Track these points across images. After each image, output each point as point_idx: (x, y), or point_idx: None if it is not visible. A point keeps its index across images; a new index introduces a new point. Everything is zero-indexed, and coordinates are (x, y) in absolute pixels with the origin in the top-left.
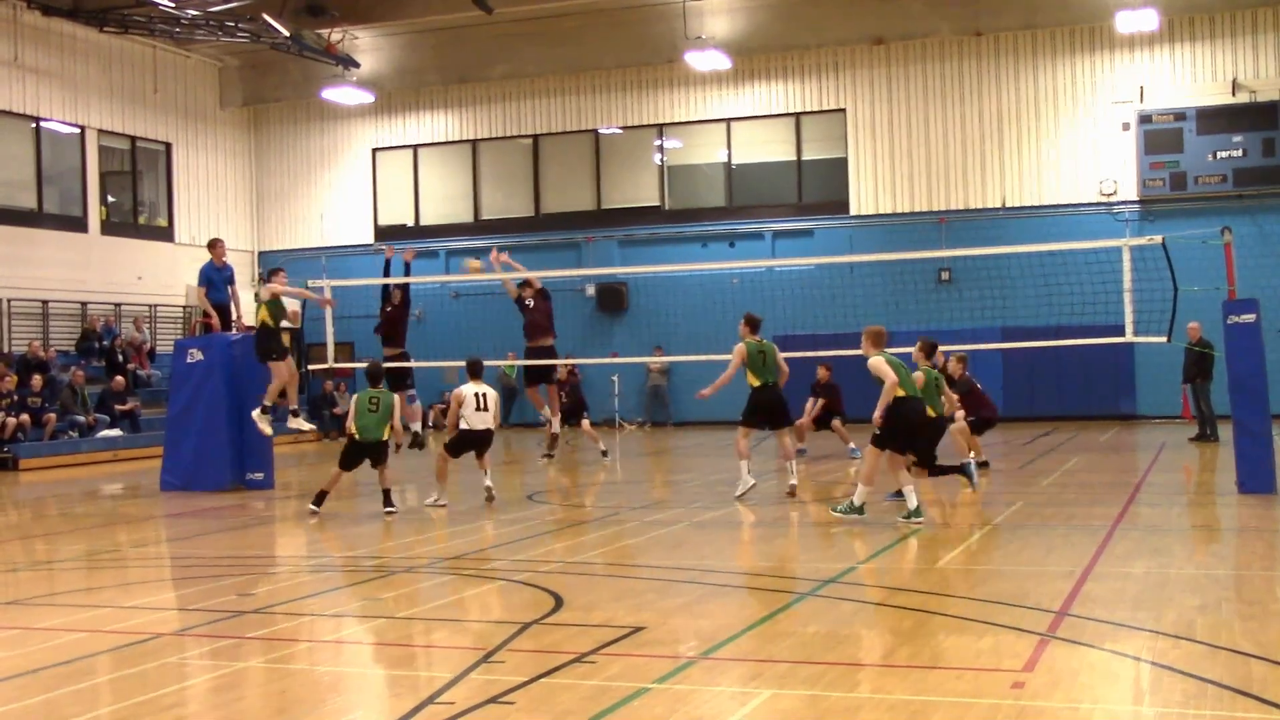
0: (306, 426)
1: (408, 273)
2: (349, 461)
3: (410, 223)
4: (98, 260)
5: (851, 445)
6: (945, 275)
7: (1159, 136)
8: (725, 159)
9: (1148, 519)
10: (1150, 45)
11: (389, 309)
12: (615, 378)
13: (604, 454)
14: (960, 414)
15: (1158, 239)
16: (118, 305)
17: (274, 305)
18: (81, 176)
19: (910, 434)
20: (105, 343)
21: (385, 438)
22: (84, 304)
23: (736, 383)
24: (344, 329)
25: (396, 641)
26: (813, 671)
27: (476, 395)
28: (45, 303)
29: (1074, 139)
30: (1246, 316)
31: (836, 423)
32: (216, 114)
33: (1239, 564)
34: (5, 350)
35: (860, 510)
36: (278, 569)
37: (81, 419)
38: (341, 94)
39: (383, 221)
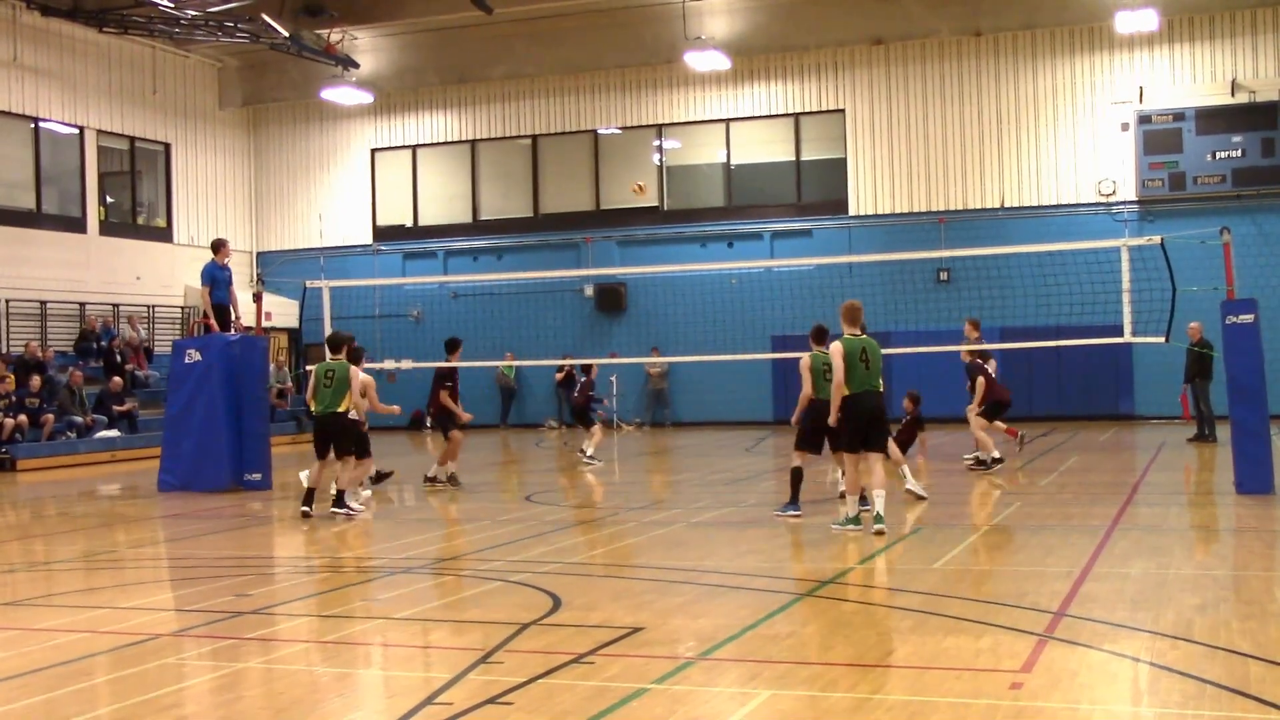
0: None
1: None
2: (319, 446)
3: (409, 223)
4: (96, 261)
5: None
6: (944, 275)
7: (1158, 137)
8: (724, 159)
9: (1146, 519)
10: (1149, 45)
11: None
12: (614, 378)
13: (590, 458)
14: (976, 399)
15: (1156, 239)
16: (116, 306)
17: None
18: (80, 177)
19: (863, 429)
20: (103, 343)
21: (342, 409)
22: (82, 304)
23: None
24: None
25: (395, 642)
26: (811, 672)
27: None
28: (43, 303)
29: (1073, 139)
30: (1245, 317)
31: None
32: (215, 114)
33: (1237, 564)
34: (3, 350)
35: (856, 520)
36: (276, 569)
37: (79, 419)
38: (340, 94)
39: (382, 222)
